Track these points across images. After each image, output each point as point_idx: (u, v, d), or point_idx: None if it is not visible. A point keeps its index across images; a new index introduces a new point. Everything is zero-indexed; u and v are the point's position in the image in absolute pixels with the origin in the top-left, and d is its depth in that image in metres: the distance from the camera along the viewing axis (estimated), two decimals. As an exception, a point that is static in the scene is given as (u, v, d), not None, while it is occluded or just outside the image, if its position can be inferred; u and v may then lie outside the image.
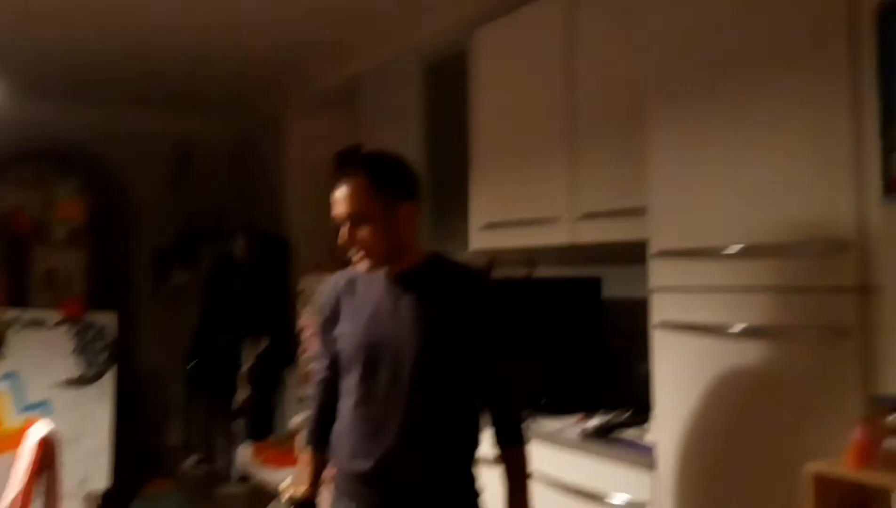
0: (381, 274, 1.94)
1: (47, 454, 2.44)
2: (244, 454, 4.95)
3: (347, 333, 1.94)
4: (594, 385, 2.87)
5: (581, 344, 2.92)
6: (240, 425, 5.58)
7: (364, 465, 1.86)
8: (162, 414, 6.60)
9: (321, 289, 2.12)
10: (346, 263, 2.05)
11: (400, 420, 1.84)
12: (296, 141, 5.83)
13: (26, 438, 2.53)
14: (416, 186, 1.95)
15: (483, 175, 3.26)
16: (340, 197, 1.87)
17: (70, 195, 5.36)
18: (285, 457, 4.57)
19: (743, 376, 1.97)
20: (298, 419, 4.22)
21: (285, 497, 2.03)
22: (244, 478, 5.40)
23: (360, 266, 1.92)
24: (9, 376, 4.50)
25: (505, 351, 1.95)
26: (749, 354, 1.95)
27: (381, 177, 1.88)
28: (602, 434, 2.44)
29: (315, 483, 2.05)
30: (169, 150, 6.61)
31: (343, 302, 1.98)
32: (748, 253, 1.95)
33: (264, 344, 5.50)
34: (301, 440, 2.16)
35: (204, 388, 6.08)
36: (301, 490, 2.02)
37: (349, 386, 1.92)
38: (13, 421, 4.42)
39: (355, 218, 1.85)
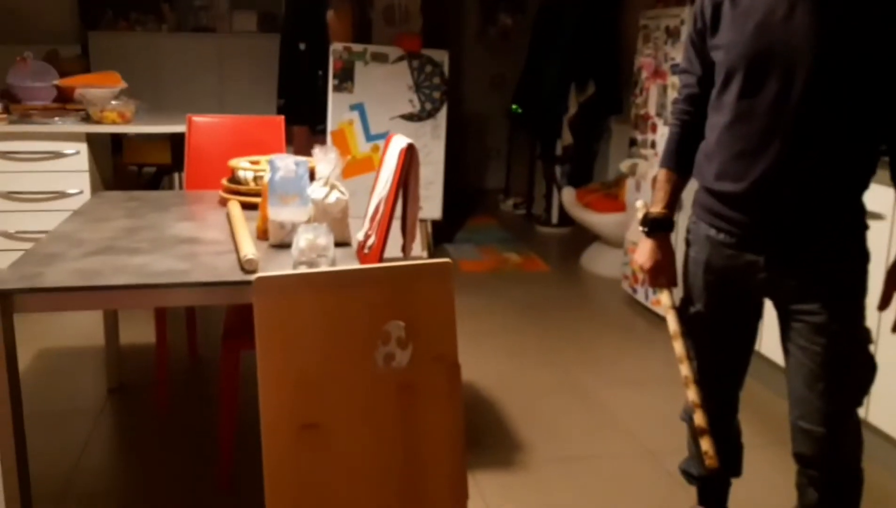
0: None
1: (409, 161, 2.57)
2: (566, 197, 5.02)
3: (729, 42, 1.70)
4: None
5: None
6: (561, 171, 5.65)
7: (735, 187, 1.70)
8: (485, 156, 6.88)
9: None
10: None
11: (783, 138, 1.62)
12: None
13: (390, 148, 2.68)
14: None
15: None
16: None
17: (407, -71, 5.36)
18: (609, 202, 4.56)
19: None
20: (628, 163, 4.12)
21: (640, 214, 1.95)
22: (564, 221, 5.56)
23: None
24: (357, 107, 4.85)
25: None
26: None
27: None
28: None
29: (671, 204, 1.92)
30: None
31: (724, 7, 1.73)
32: None
33: (590, 91, 5.37)
34: (658, 160, 2.03)
35: (527, 134, 6.18)
36: (657, 209, 1.92)
37: (725, 102, 1.72)
38: (362, 148, 4.83)
39: None
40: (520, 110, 6.06)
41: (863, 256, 1.71)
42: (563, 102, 5.46)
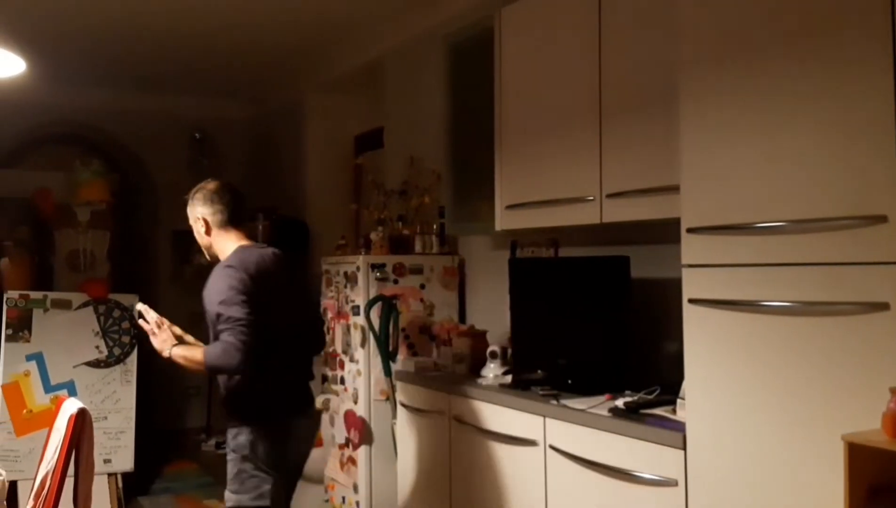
0: None
1: (80, 429, 2.45)
2: (266, 435, 4.96)
3: None
4: (621, 364, 2.85)
5: (608, 323, 2.90)
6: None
7: None
8: (184, 396, 6.64)
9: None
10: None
11: None
12: (317, 122, 5.83)
13: (60, 414, 2.54)
14: None
15: (509, 155, 3.24)
16: None
17: (93, 177, 5.33)
18: (308, 438, 4.57)
19: (778, 351, 1.95)
20: (321, 398, 4.22)
21: None
22: (266, 459, 5.42)
23: None
24: (34, 356, 4.53)
25: None
26: (784, 329, 1.93)
27: None
28: (631, 412, 2.43)
29: None
30: (189, 133, 6.63)
31: None
32: (783, 228, 1.93)
33: (286, 326, 5.51)
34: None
35: (225, 370, 6.10)
36: None
37: None
38: (40, 400, 4.47)
39: None
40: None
41: None
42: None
